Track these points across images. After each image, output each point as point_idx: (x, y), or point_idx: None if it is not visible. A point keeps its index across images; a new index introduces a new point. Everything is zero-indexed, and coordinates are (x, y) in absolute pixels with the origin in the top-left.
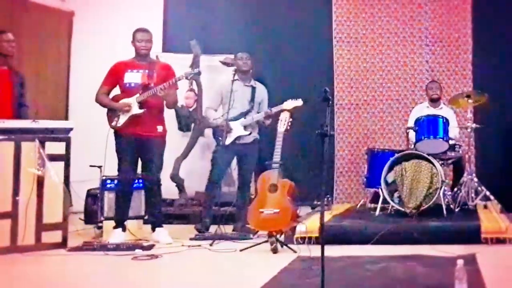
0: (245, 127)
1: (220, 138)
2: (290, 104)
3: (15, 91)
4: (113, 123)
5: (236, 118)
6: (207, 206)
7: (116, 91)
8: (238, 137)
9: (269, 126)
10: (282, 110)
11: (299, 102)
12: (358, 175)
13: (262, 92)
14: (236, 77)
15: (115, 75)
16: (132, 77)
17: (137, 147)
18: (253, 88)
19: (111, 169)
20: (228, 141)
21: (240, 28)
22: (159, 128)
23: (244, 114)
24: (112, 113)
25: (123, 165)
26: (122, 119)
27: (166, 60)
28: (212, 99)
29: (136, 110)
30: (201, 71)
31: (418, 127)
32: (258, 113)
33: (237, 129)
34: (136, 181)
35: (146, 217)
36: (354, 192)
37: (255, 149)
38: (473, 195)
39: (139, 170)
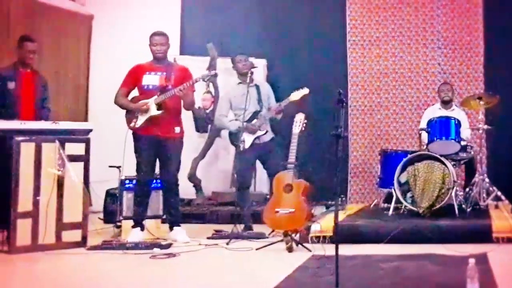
0: (259, 127)
1: (239, 144)
2: (297, 94)
3: (38, 93)
4: (132, 124)
5: (250, 119)
6: (244, 209)
7: (135, 93)
8: (257, 137)
9: (281, 118)
10: (291, 102)
11: (305, 91)
12: (372, 175)
13: (266, 88)
14: (239, 80)
15: (133, 78)
16: (150, 80)
17: (155, 147)
18: (257, 87)
19: (130, 169)
20: (248, 143)
21: (255, 31)
22: (177, 129)
23: (256, 114)
24: (130, 115)
25: (142, 165)
26: (141, 120)
27: (184, 62)
28: (221, 106)
29: (154, 111)
30: (218, 73)
31: (430, 128)
32: (268, 109)
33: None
34: (154, 181)
35: (164, 217)
36: (367, 192)
37: (274, 146)
38: (484, 195)
39: (157, 170)
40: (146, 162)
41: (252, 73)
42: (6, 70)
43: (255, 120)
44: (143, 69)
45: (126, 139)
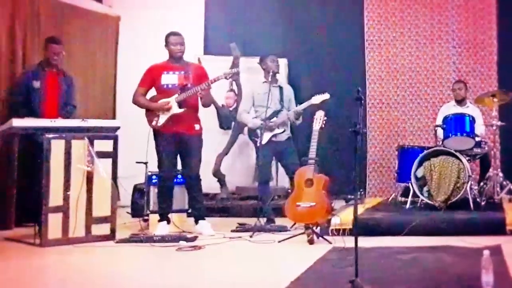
0: (278, 125)
1: (256, 140)
2: (318, 98)
3: (62, 92)
4: (154, 123)
5: (270, 117)
6: (266, 203)
7: (152, 92)
8: (274, 135)
9: (300, 124)
10: (311, 105)
11: (326, 96)
12: (389, 170)
13: (289, 91)
14: (267, 79)
15: (151, 77)
16: (169, 79)
17: (176, 144)
18: (281, 88)
19: (156, 165)
20: (265, 140)
21: (277, 31)
22: (197, 126)
23: (276, 113)
24: (151, 114)
25: (164, 162)
26: (162, 119)
27: (207, 62)
28: (244, 103)
29: (176, 109)
30: (240, 71)
31: (446, 124)
32: (288, 111)
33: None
34: (178, 176)
35: (189, 211)
36: (385, 186)
37: (291, 145)
38: (498, 189)
39: (179, 166)
40: (168, 158)
41: (276, 73)
42: (32, 69)
43: (274, 118)
44: (160, 69)
45: (149, 136)
